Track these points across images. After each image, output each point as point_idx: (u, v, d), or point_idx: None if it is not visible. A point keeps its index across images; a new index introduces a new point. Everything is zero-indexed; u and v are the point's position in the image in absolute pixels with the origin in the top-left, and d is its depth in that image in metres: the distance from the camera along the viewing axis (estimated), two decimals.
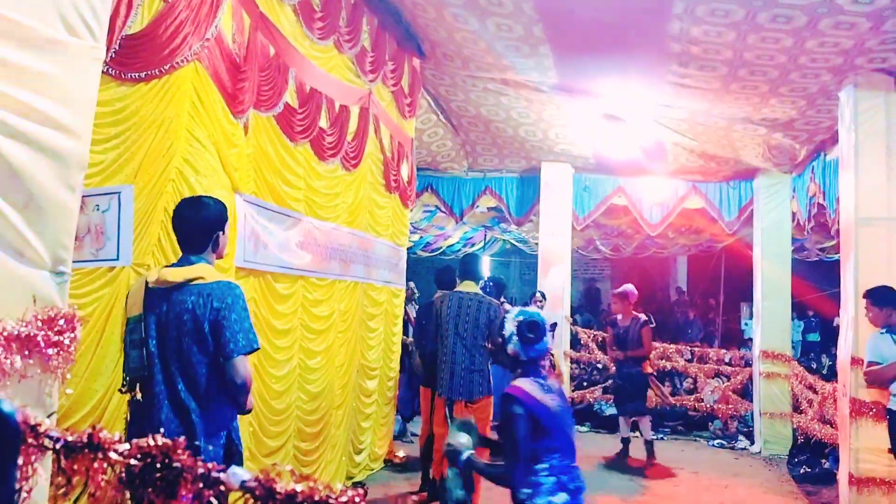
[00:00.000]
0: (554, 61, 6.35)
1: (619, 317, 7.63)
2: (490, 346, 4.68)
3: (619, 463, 7.32)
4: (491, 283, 6.63)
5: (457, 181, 10.05)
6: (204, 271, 2.67)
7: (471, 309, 5.14)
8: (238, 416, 2.78)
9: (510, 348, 2.84)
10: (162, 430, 2.53)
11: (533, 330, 2.82)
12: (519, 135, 8.75)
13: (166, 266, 2.77)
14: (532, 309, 3.00)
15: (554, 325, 8.59)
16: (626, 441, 7.61)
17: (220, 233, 2.78)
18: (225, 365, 2.60)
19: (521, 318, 2.86)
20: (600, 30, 5.77)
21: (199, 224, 2.72)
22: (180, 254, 3.50)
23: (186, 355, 2.61)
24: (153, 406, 2.63)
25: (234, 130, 3.94)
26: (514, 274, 18.77)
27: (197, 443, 2.55)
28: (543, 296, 8.81)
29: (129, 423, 2.72)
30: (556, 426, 2.79)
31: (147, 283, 2.70)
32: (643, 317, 7.54)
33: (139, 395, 2.69)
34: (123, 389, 2.75)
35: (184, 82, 3.52)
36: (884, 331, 4.68)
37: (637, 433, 7.78)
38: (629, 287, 7.79)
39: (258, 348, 2.72)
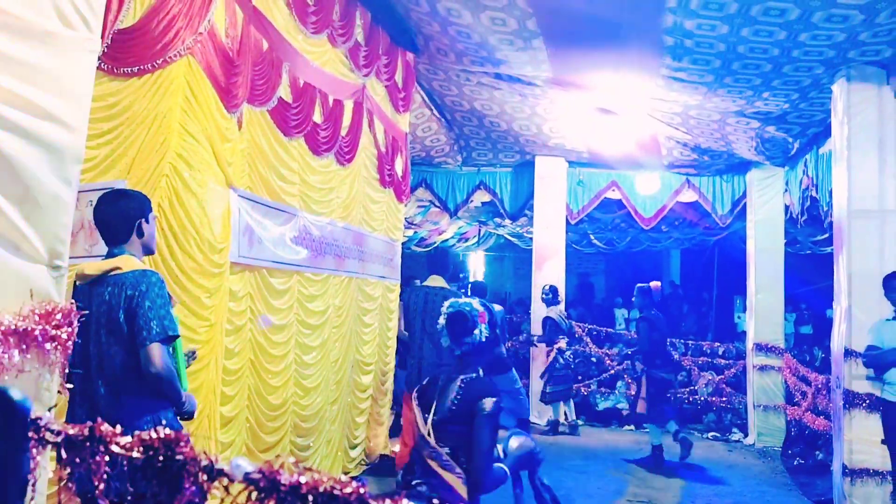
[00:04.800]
0: (548, 55, 6.35)
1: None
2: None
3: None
4: (470, 285, 6.59)
5: (451, 176, 10.04)
6: (121, 262, 2.60)
7: (436, 304, 5.05)
8: (176, 416, 2.67)
9: (444, 342, 2.74)
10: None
11: (460, 322, 2.68)
12: (513, 129, 8.75)
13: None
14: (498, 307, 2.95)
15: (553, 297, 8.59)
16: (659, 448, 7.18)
17: (142, 221, 2.69)
18: (139, 354, 2.50)
19: (450, 310, 2.75)
20: (594, 23, 5.78)
21: (116, 215, 2.65)
22: (176, 248, 3.52)
23: (105, 347, 2.55)
24: (75, 402, 2.59)
25: (228, 125, 3.93)
26: (508, 269, 18.80)
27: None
28: (552, 291, 8.73)
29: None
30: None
31: (76, 277, 2.64)
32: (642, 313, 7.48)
33: (64, 391, 2.51)
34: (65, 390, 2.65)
35: (177, 77, 3.51)
36: (891, 317, 4.70)
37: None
38: (655, 283, 7.77)
39: (175, 336, 2.59)
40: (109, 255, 2.65)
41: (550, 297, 8.60)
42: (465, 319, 2.70)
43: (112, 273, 2.58)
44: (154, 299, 2.53)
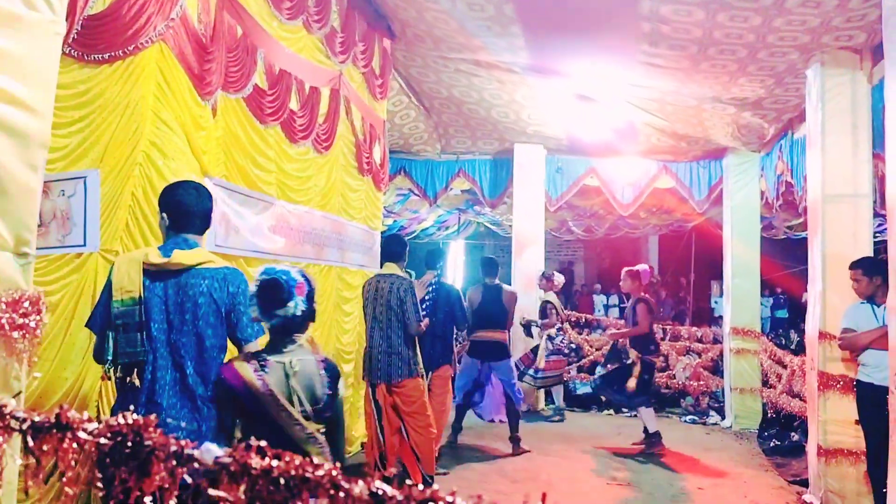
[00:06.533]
0: (525, 41, 6.34)
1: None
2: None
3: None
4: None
5: (430, 164, 10.01)
6: (211, 256, 2.72)
7: (384, 290, 5.06)
8: None
9: (252, 311, 2.44)
10: (165, 416, 2.52)
11: (273, 289, 2.39)
12: (492, 116, 8.74)
13: (163, 247, 2.67)
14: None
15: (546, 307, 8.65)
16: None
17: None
18: (241, 349, 2.64)
19: (263, 277, 2.43)
20: (571, 9, 5.77)
21: (207, 207, 2.77)
22: (151, 238, 3.47)
23: (201, 339, 2.60)
24: (153, 392, 2.56)
25: (202, 112, 3.88)
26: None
27: (205, 429, 2.54)
28: (544, 276, 8.77)
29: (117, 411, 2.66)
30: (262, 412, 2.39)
31: (146, 264, 2.61)
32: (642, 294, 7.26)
33: (136, 381, 2.58)
34: (112, 376, 2.61)
35: (149, 63, 3.45)
36: (864, 301, 4.77)
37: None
38: (644, 267, 7.65)
39: None
40: (183, 244, 2.66)
41: (544, 282, 8.67)
42: (280, 289, 2.38)
43: (205, 265, 2.63)
44: (248, 299, 2.60)
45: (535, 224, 9.56)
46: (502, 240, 14.89)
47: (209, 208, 2.79)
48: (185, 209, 2.70)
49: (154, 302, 2.60)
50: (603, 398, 8.89)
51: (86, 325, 2.77)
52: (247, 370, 2.41)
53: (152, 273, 2.61)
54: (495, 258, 7.69)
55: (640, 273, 7.40)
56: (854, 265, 4.85)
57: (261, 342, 2.64)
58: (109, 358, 2.58)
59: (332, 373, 2.54)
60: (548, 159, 9.63)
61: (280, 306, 2.39)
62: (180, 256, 2.61)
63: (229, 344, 2.71)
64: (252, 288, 2.43)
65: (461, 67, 7.38)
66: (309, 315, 2.48)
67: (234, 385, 2.40)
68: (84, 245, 3.24)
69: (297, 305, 2.41)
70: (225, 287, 2.63)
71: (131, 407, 1.39)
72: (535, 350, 8.54)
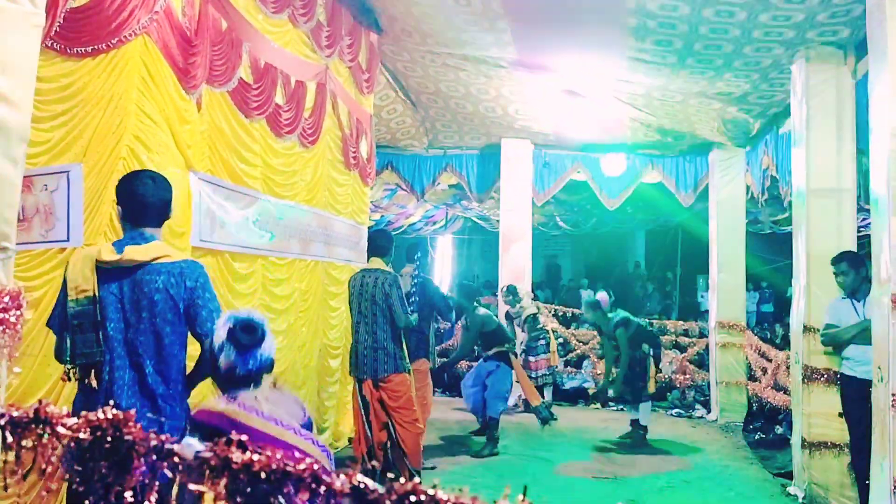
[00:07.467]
0: (512, 36, 6.34)
1: None
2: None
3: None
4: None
5: (417, 158, 9.99)
6: (169, 249, 2.62)
7: (368, 285, 5.03)
8: None
9: (223, 361, 2.20)
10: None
11: (249, 331, 2.20)
12: (479, 111, 8.73)
13: (118, 243, 2.60)
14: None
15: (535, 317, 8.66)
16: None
17: (170, 210, 2.73)
18: (203, 344, 2.53)
19: (233, 320, 2.24)
20: (557, 4, 5.77)
21: (162, 197, 2.65)
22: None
23: (159, 337, 2.52)
24: (111, 393, 2.49)
25: (187, 106, 3.85)
26: (475, 252, 18.86)
27: (166, 429, 2.42)
28: (510, 290, 8.63)
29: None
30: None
31: (98, 261, 2.52)
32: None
33: (94, 382, 2.50)
34: (70, 377, 2.53)
35: (132, 57, 3.42)
36: (844, 296, 4.81)
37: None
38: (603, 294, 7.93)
39: None
40: (140, 239, 2.57)
41: (511, 297, 8.60)
42: (255, 330, 2.22)
43: (160, 259, 2.54)
44: (211, 291, 2.59)
45: (523, 219, 9.57)
46: (489, 235, 14.92)
47: (167, 199, 2.67)
48: (140, 201, 2.60)
49: (109, 300, 2.52)
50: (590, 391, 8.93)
51: (46, 325, 2.66)
52: (217, 402, 2.17)
53: (106, 270, 2.52)
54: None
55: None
56: (838, 259, 4.87)
57: None
58: (68, 359, 2.50)
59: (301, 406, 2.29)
60: (535, 154, 9.64)
61: (256, 347, 2.21)
62: (133, 252, 2.52)
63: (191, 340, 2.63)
64: (222, 334, 2.22)
65: (448, 62, 7.36)
66: (272, 364, 2.29)
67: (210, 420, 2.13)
68: (67, 240, 3.20)
69: (270, 347, 2.26)
70: (182, 282, 2.54)
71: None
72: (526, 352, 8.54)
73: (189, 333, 2.62)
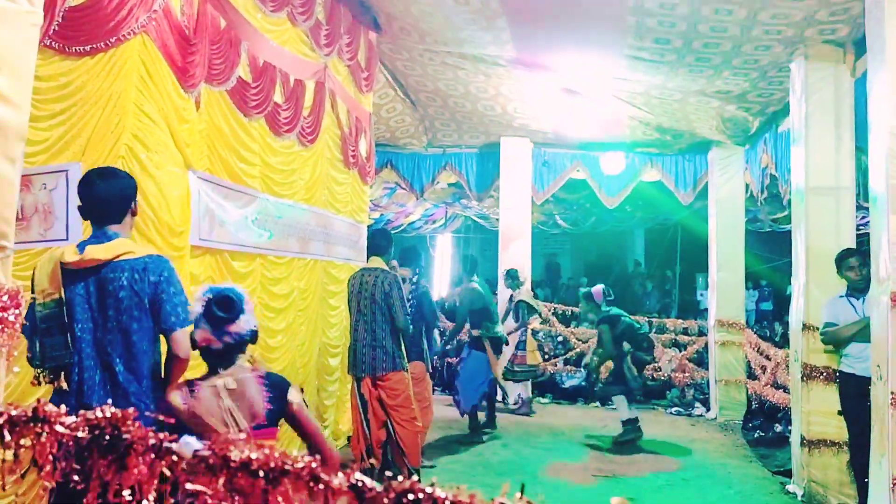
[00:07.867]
0: (511, 34, 6.33)
1: None
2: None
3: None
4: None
5: (416, 157, 9.99)
6: (132, 246, 2.58)
7: (368, 284, 5.04)
8: None
9: (198, 334, 2.27)
10: None
11: (226, 306, 2.23)
12: (478, 109, 8.73)
13: (82, 243, 2.56)
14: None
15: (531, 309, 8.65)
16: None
17: (134, 203, 2.68)
18: (168, 339, 2.53)
19: (210, 294, 2.30)
20: (556, 3, 5.77)
21: (117, 193, 2.60)
22: (134, 232, 3.43)
23: (127, 335, 2.50)
24: (82, 394, 2.47)
25: (186, 105, 3.85)
26: (475, 250, 18.84)
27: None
28: (510, 274, 8.63)
29: None
30: None
31: (62, 263, 2.49)
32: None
33: (64, 385, 2.47)
34: (41, 381, 2.49)
35: (131, 55, 3.42)
36: (842, 295, 4.81)
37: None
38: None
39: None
40: (103, 237, 2.55)
41: (510, 280, 8.62)
42: (232, 304, 2.25)
43: (124, 256, 2.51)
44: (177, 285, 2.55)
45: (522, 217, 9.57)
46: (489, 233, 14.93)
47: (121, 194, 2.62)
48: (94, 199, 2.57)
49: (77, 301, 2.49)
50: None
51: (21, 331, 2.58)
52: (175, 397, 2.31)
53: (72, 272, 2.49)
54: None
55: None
56: (849, 253, 4.83)
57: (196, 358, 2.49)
58: (38, 363, 2.47)
59: (277, 387, 2.42)
60: (534, 152, 9.64)
61: (231, 323, 2.26)
62: (94, 252, 2.49)
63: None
64: (198, 307, 2.29)
65: (447, 61, 7.36)
66: (254, 336, 2.38)
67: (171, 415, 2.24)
68: (66, 239, 3.19)
69: (248, 321, 2.31)
70: (146, 277, 2.51)
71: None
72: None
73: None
